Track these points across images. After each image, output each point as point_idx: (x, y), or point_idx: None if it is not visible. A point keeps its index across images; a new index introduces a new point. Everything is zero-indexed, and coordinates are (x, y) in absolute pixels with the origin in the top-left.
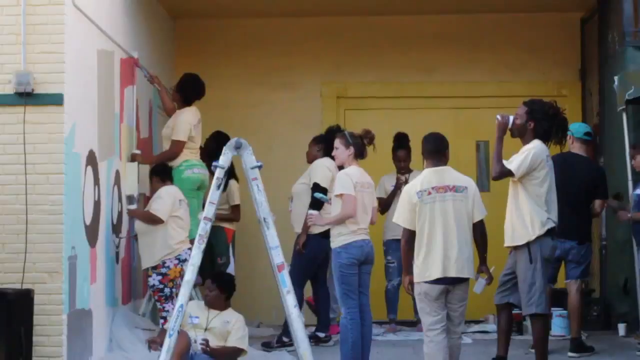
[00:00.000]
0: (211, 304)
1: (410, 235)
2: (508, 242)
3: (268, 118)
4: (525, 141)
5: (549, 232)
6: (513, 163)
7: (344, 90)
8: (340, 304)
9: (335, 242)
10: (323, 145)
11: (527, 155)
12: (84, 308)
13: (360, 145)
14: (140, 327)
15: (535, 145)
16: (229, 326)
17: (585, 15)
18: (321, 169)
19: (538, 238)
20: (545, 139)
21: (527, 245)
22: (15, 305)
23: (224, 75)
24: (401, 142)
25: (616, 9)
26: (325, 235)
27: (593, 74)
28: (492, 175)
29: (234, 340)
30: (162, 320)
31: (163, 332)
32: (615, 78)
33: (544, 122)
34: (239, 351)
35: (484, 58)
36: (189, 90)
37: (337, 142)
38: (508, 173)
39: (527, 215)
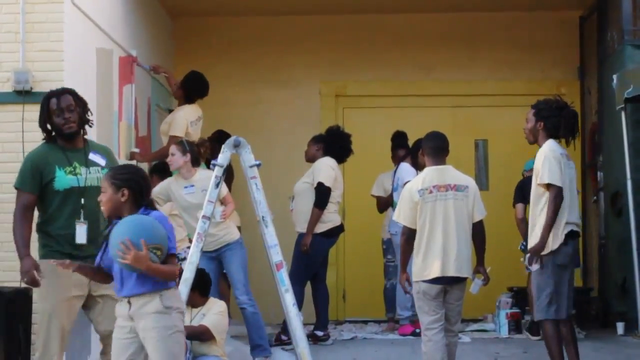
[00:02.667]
0: (190, 304)
1: (411, 233)
2: None
3: (267, 116)
4: (540, 143)
5: (566, 238)
6: (545, 177)
7: (342, 88)
8: (246, 293)
9: (236, 234)
10: (322, 144)
11: (547, 160)
12: None
13: (196, 152)
14: None
15: (549, 146)
16: (205, 318)
17: (584, 13)
18: (325, 168)
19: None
20: (556, 136)
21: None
22: (14, 303)
23: (223, 73)
24: (401, 140)
25: (615, 7)
26: (327, 234)
27: (592, 73)
28: (552, 209)
29: (205, 321)
30: None
31: None
32: (614, 76)
33: (552, 118)
34: (203, 331)
35: (482, 56)
36: (192, 88)
37: (174, 149)
38: (557, 190)
39: None
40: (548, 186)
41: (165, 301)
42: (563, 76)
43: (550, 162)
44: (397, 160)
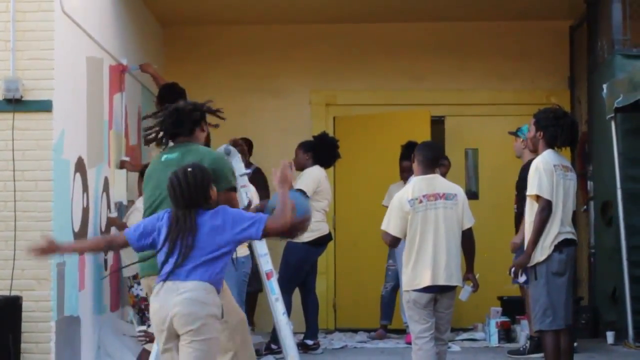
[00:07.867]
0: None
1: (395, 242)
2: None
3: (257, 125)
4: (540, 153)
5: (557, 247)
6: (533, 188)
7: (333, 97)
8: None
9: (239, 251)
10: (312, 152)
11: (538, 172)
12: (73, 315)
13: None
14: (129, 334)
15: (544, 157)
16: None
17: (574, 23)
18: (309, 179)
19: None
20: (554, 145)
21: (535, 263)
22: (4, 312)
23: (213, 82)
24: (409, 152)
25: (605, 16)
26: (314, 243)
27: (582, 82)
28: (538, 222)
29: None
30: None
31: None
32: (604, 86)
33: (550, 128)
34: None
35: (473, 66)
36: (169, 101)
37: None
38: (544, 202)
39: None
40: (537, 198)
41: None
42: (553, 86)
43: (540, 173)
44: (402, 172)
